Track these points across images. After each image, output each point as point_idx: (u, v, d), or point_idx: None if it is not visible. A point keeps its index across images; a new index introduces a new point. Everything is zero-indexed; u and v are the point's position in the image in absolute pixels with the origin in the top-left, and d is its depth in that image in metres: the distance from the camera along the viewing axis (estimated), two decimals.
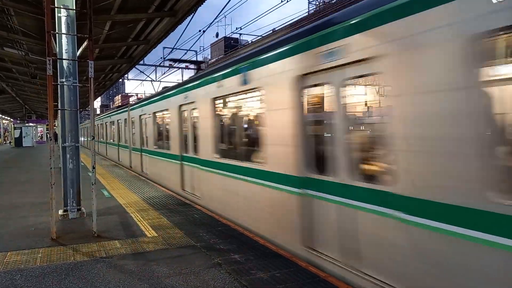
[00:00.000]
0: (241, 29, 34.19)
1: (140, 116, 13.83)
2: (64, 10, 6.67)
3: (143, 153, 13.67)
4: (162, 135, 11.69)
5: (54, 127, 30.22)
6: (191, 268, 4.40)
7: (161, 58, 23.13)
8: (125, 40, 12.86)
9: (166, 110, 10.69)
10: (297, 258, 4.67)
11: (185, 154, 9.26)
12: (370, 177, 3.78)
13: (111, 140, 21.43)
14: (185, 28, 12.14)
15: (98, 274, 4.26)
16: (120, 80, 25.63)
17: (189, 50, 24.49)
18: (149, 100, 12.90)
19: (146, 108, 13.01)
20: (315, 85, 4.57)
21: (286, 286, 3.88)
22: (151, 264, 4.55)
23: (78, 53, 7.07)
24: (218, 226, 6.25)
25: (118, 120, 18.90)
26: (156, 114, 11.96)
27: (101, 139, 26.22)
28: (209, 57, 54.63)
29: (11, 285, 3.98)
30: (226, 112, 7.47)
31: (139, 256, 4.83)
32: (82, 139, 37.14)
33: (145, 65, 24.27)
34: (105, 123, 23.69)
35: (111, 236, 5.72)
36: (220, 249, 5.07)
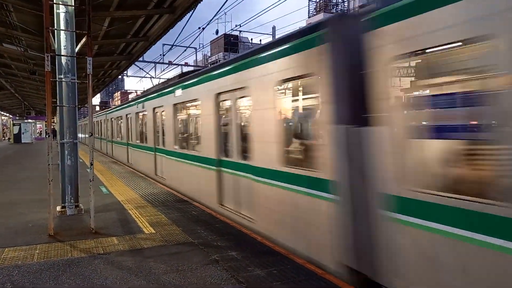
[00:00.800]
0: (241, 26, 34.12)
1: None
2: (63, 6, 6.65)
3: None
4: None
5: (54, 123, 30.15)
6: (188, 264, 4.42)
7: (161, 55, 23.10)
8: (124, 36, 12.82)
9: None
10: (294, 255, 4.69)
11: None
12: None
13: (166, 147, 10.44)
14: (185, 25, 12.13)
15: (95, 270, 4.27)
16: (120, 76, 25.57)
17: (189, 47, 24.43)
18: None
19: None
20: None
21: (283, 283, 3.90)
22: (149, 260, 4.56)
23: (76, 50, 7.05)
24: (216, 223, 6.27)
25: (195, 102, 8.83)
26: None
27: (136, 140, 14.36)
28: (209, 54, 54.63)
29: (8, 281, 3.99)
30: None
31: (137, 253, 4.85)
32: (81, 136, 36.84)
33: (145, 61, 24.26)
34: (139, 113, 13.67)
35: (109, 233, 5.74)
36: (217, 246, 5.09)
